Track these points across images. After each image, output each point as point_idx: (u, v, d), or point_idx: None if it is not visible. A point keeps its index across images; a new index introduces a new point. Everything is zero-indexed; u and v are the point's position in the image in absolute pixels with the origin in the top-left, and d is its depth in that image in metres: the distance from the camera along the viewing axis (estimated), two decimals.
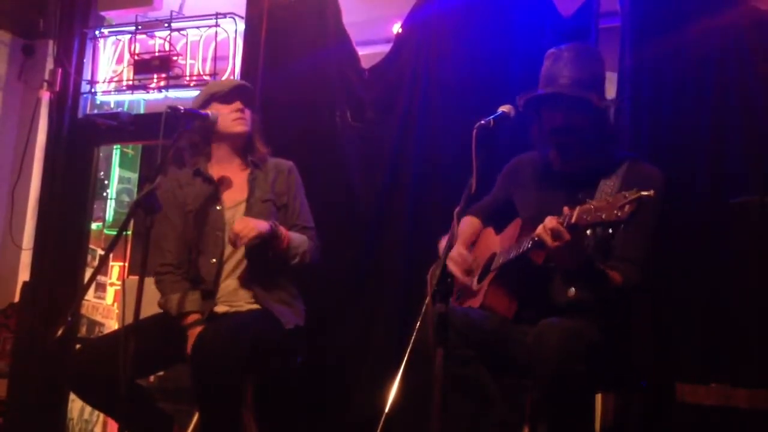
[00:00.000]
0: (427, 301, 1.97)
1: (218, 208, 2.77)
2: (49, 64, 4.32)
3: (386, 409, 2.60)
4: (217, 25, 3.94)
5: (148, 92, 4.13)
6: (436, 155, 3.40)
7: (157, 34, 4.09)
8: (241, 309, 2.69)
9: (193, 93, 4.01)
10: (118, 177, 4.68)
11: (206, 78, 3.96)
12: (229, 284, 2.72)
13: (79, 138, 4.24)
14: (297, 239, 2.72)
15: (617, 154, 2.41)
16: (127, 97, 4.25)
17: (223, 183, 2.81)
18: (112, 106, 4.31)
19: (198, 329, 2.57)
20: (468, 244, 2.60)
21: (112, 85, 4.21)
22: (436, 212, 3.24)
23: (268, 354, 2.63)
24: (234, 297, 2.71)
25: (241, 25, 3.91)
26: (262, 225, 2.59)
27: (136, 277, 2.30)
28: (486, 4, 3.43)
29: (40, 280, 4.11)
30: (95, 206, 4.40)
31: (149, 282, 2.31)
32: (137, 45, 4.13)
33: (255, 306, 2.68)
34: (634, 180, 2.09)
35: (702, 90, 3.00)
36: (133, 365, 2.20)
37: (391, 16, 3.80)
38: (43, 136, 4.31)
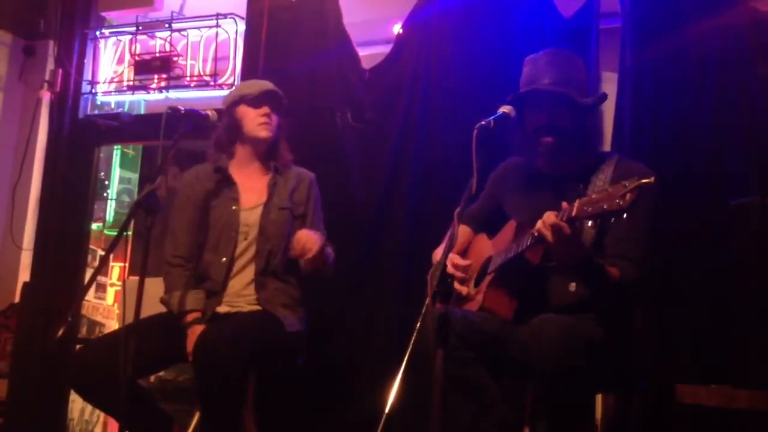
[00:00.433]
0: (427, 302, 1.97)
1: (234, 208, 2.78)
2: (50, 65, 4.33)
3: (386, 410, 2.60)
4: (217, 26, 3.95)
5: (148, 93, 4.14)
6: (436, 156, 3.41)
7: (158, 34, 4.09)
8: (242, 310, 2.69)
9: (193, 93, 4.04)
10: (118, 177, 4.67)
11: (206, 78, 3.97)
12: (234, 285, 2.73)
13: (80, 138, 4.24)
14: (329, 251, 2.75)
15: (602, 153, 2.43)
16: (127, 98, 4.26)
17: (243, 184, 2.83)
18: (112, 106, 4.32)
19: (197, 327, 2.58)
20: (459, 252, 2.60)
21: (113, 86, 4.22)
22: (436, 213, 3.24)
23: (270, 355, 2.64)
24: (237, 298, 2.72)
25: (242, 26, 3.91)
26: (320, 237, 2.63)
27: (137, 278, 2.30)
28: (486, 5, 3.43)
29: (40, 281, 4.12)
30: (96, 207, 4.39)
31: (150, 282, 2.31)
32: (138, 45, 4.13)
33: (256, 307, 2.69)
34: (625, 175, 2.08)
35: (702, 90, 3.00)
36: (134, 365, 2.20)
37: (391, 16, 3.80)
38: (44, 137, 4.31)
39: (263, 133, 2.82)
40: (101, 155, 4.39)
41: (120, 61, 4.21)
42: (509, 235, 2.37)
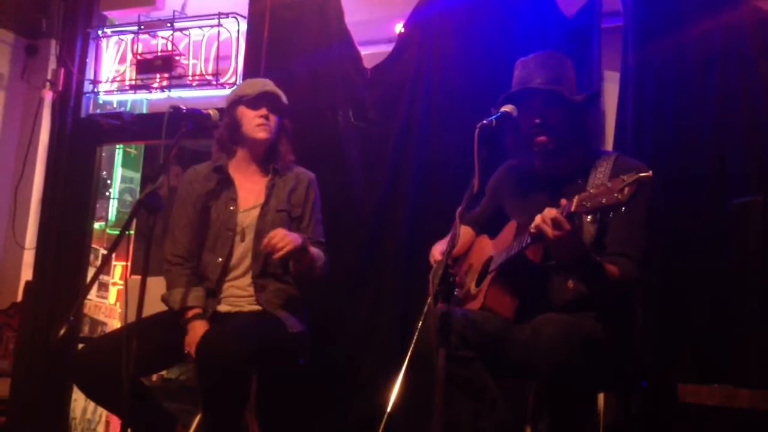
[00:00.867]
0: (428, 302, 1.97)
1: (232, 208, 2.78)
2: (52, 64, 4.34)
3: (388, 409, 2.60)
4: (219, 25, 3.95)
5: (150, 92, 4.15)
6: (437, 155, 3.41)
7: (160, 33, 4.09)
8: (243, 309, 2.70)
9: (195, 93, 4.04)
10: (120, 176, 4.68)
11: (208, 78, 3.97)
12: (233, 285, 2.73)
13: (82, 137, 4.25)
14: (317, 254, 2.73)
15: (598, 151, 2.43)
16: (129, 97, 4.27)
17: (242, 184, 2.83)
18: (114, 105, 4.33)
19: (197, 323, 2.59)
20: (461, 252, 2.61)
21: (115, 85, 4.22)
22: (437, 212, 3.24)
23: (273, 355, 2.64)
24: (238, 298, 2.72)
25: (244, 25, 3.91)
26: (297, 239, 2.59)
27: (139, 277, 2.30)
28: (488, 4, 3.43)
29: (42, 280, 4.12)
30: (98, 206, 4.40)
31: (152, 281, 2.31)
32: (140, 45, 4.14)
33: (257, 307, 2.70)
34: (623, 170, 2.07)
35: (704, 90, 3.00)
36: (136, 364, 2.20)
37: (393, 15, 3.80)
38: (46, 136, 4.32)
39: (261, 134, 2.81)
40: (103, 154, 4.40)
41: (122, 60, 4.21)
42: (510, 235, 2.38)
